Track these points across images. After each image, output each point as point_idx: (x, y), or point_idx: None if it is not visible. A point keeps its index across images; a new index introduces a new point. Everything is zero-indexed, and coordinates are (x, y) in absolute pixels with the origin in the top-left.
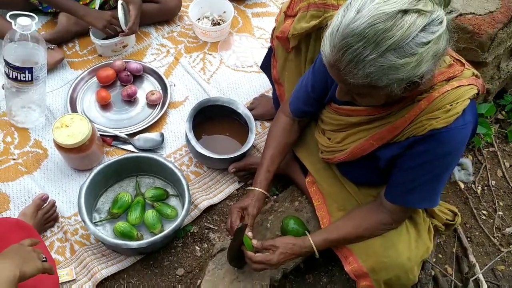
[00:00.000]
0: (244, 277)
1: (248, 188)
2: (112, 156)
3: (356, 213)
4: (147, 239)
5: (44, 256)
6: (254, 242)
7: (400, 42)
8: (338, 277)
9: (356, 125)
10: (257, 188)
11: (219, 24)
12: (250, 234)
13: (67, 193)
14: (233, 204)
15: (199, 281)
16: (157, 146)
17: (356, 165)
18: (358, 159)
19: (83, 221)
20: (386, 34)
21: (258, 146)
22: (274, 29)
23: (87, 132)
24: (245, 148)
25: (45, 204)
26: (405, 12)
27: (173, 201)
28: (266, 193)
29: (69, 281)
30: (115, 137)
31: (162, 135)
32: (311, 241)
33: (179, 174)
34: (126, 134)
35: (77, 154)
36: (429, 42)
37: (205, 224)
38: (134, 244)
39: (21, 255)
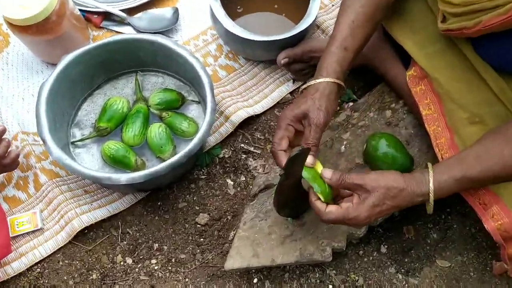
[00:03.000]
0: (303, 233)
1: (306, 84)
2: None
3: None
4: (146, 171)
5: None
6: (327, 173)
7: None
8: (456, 233)
9: None
10: (322, 79)
11: None
12: (311, 160)
13: (35, 97)
14: (282, 111)
15: (231, 233)
16: (168, 28)
17: None
18: None
19: (42, 140)
20: None
21: (323, 26)
22: None
23: (50, 0)
24: (302, 26)
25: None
26: None
27: (193, 111)
28: (341, 83)
29: (32, 231)
30: (106, 15)
31: (176, 11)
32: (431, 182)
33: (197, 66)
34: (123, 10)
35: (40, 37)
36: None
37: (242, 145)
38: (122, 178)
39: None
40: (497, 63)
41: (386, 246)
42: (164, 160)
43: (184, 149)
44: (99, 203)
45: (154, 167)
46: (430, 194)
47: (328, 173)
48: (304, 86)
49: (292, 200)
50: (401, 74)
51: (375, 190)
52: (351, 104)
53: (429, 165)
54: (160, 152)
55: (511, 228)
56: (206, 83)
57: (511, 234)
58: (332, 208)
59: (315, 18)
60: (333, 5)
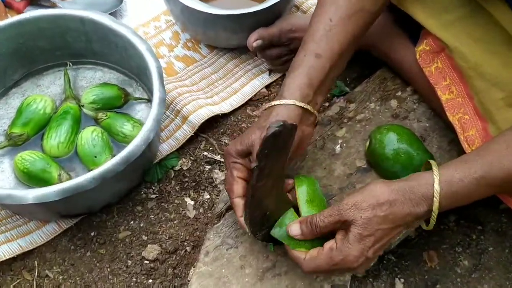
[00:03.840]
0: (290, 264)
1: (268, 105)
2: None
3: None
4: (64, 184)
5: None
6: (294, 229)
7: None
8: (493, 258)
9: None
10: (283, 101)
11: None
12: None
13: None
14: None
15: (191, 270)
16: (110, 12)
17: None
18: None
19: None
20: None
21: (304, 6)
22: None
23: None
24: None
25: None
26: None
27: (140, 111)
28: (308, 107)
29: None
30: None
31: None
32: (436, 182)
33: (141, 47)
34: None
35: None
36: None
37: (205, 154)
38: (29, 195)
39: None
40: None
41: (402, 280)
42: None
43: (121, 153)
44: (7, 236)
45: (77, 178)
46: (435, 199)
47: (294, 229)
48: (266, 106)
49: (272, 215)
50: (408, 52)
51: (357, 218)
52: (341, 97)
53: (431, 161)
54: (94, 164)
55: None
56: (152, 67)
57: None
58: (313, 253)
59: None
60: None
